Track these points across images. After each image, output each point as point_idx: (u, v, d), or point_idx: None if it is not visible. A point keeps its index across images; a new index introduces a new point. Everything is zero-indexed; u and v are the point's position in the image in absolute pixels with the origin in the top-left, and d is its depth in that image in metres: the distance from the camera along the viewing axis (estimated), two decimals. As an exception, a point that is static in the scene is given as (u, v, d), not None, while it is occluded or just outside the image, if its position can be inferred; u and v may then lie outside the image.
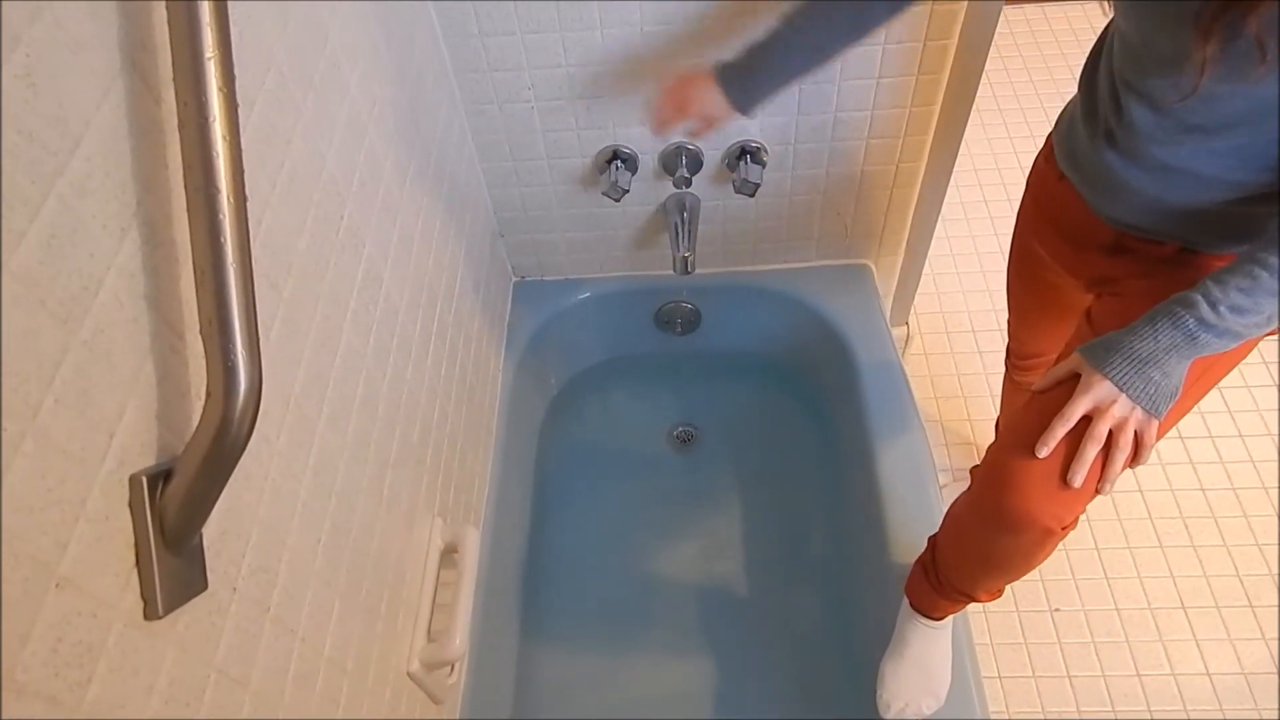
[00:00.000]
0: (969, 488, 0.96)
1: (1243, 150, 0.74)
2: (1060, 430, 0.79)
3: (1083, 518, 1.40)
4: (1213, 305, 0.72)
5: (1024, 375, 1.32)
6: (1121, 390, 0.77)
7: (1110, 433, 0.79)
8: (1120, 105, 0.80)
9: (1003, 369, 1.77)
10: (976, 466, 1.57)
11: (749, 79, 1.01)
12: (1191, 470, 1.62)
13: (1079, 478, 0.79)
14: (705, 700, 1.36)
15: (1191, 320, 0.73)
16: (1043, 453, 0.80)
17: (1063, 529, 0.83)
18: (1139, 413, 0.78)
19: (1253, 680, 1.38)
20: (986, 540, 0.90)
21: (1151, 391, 0.77)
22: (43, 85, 0.44)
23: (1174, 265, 0.86)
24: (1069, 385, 0.81)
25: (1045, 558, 0.89)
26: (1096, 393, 0.78)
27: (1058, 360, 0.92)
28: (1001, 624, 1.47)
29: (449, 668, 1.05)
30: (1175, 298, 0.75)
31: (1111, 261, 0.91)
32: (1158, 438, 0.81)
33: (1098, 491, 0.81)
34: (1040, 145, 0.99)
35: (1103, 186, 0.87)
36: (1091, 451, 0.79)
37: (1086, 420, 0.79)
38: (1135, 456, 0.80)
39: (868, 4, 0.94)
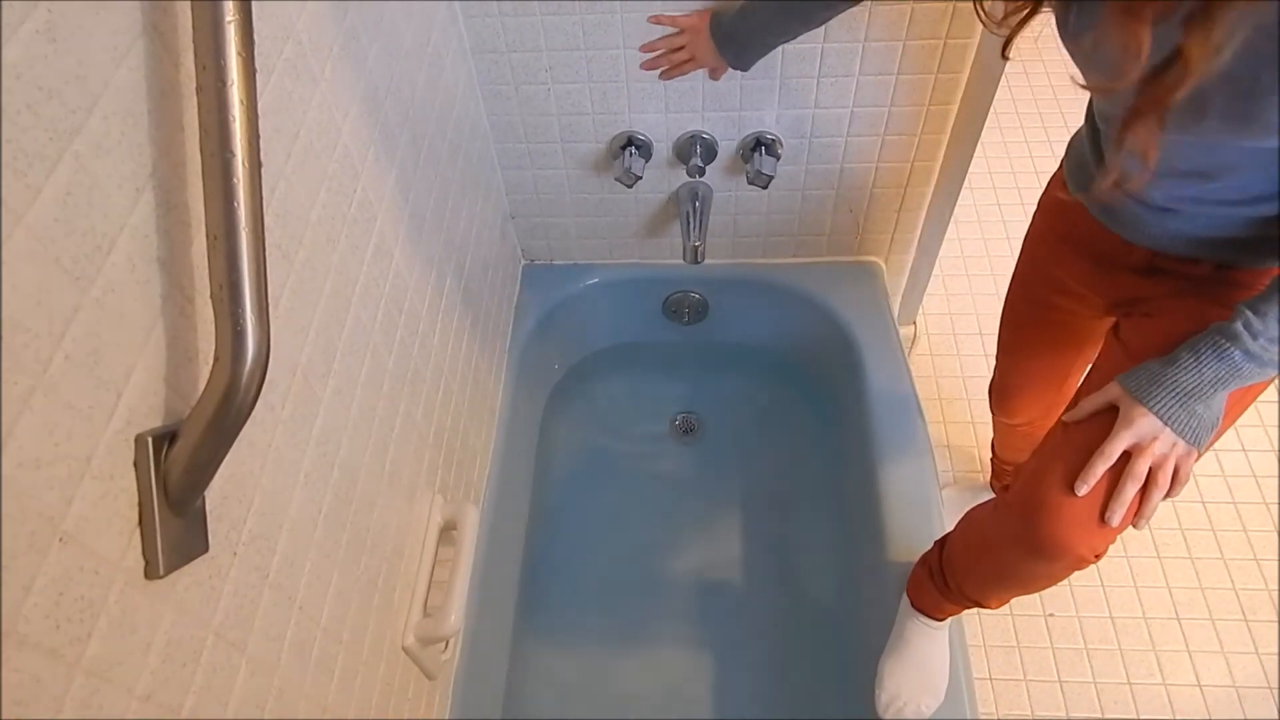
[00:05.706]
0: (996, 505, 0.94)
1: (1247, 186, 0.72)
2: (1100, 467, 0.77)
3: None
4: (1254, 337, 0.70)
5: (1007, 419, 1.28)
6: (1166, 425, 0.75)
7: (1150, 468, 0.76)
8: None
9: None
10: (996, 482, 1.55)
11: (741, 43, 1.07)
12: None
13: (1117, 517, 0.77)
14: (699, 694, 1.36)
15: (1238, 353, 0.71)
16: (1082, 491, 0.77)
17: (1095, 557, 0.82)
18: (1180, 446, 0.76)
19: (1244, 694, 1.38)
20: (1016, 562, 0.88)
21: (1194, 425, 0.75)
22: (64, 42, 0.44)
23: (1212, 283, 0.82)
24: (1106, 416, 0.79)
25: (1067, 577, 0.88)
26: (1139, 428, 0.76)
27: (1082, 393, 0.87)
28: (995, 626, 1.47)
29: (443, 644, 1.05)
30: (1216, 328, 0.73)
31: (1145, 281, 0.87)
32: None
33: (1134, 525, 0.79)
34: (1056, 150, 0.98)
35: (1122, 220, 0.84)
36: (1131, 490, 0.76)
37: (1126, 455, 0.77)
38: (1171, 489, 0.78)
39: None
